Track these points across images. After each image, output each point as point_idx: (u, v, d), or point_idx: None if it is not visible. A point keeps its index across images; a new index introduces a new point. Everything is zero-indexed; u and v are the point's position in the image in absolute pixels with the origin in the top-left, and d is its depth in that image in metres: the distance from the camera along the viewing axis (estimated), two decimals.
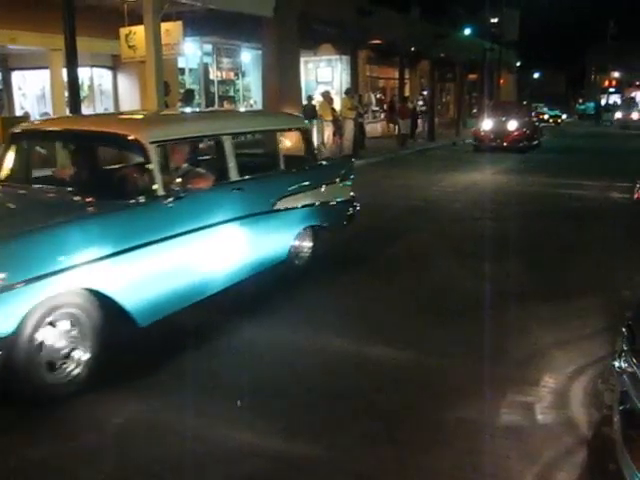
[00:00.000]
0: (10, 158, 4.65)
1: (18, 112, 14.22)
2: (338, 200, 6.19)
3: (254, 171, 5.14)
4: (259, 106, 17.35)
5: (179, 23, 11.49)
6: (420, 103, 24.67)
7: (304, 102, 16.80)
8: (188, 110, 9.87)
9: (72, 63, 7.84)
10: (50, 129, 5.04)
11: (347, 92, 17.82)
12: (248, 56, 18.35)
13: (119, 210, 3.91)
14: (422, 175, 14.12)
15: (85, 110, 11.88)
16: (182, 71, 15.80)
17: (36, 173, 5.03)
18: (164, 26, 11.01)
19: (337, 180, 6.23)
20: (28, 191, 4.40)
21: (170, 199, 4.10)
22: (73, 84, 8.02)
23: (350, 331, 4.57)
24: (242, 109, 17.28)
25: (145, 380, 3.76)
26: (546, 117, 39.99)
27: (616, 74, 60.49)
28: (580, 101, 60.57)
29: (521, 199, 10.65)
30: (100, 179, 4.87)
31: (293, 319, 4.80)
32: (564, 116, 44.90)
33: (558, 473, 2.93)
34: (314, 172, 6.02)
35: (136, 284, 3.81)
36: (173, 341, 4.24)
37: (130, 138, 4.16)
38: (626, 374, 2.62)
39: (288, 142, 7.79)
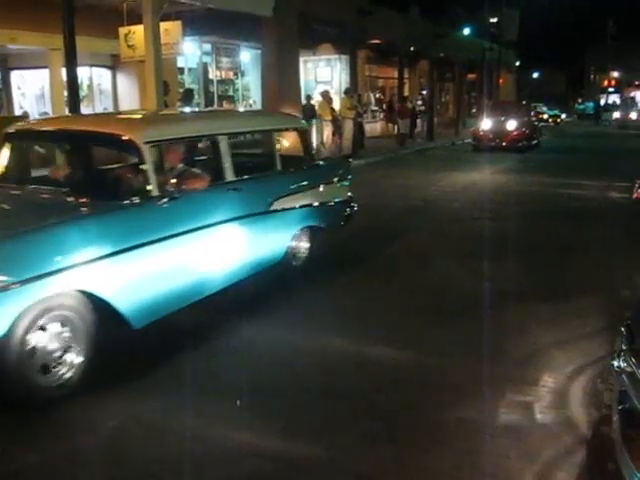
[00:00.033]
0: (4, 158, 4.61)
1: (17, 112, 14.21)
2: (335, 200, 6.15)
3: (251, 171, 5.12)
4: (258, 106, 17.35)
5: (178, 23, 11.49)
6: (419, 103, 24.66)
7: (303, 102, 16.79)
8: (187, 110, 9.85)
9: (71, 63, 7.84)
10: (44, 129, 4.99)
11: (346, 92, 17.82)
12: (247, 56, 18.35)
13: (113, 211, 3.87)
14: (421, 175, 14.13)
15: (84, 110, 11.89)
16: (181, 71, 15.79)
17: (35, 173, 5.03)
18: (163, 26, 11.01)
19: (334, 180, 6.20)
20: (22, 191, 4.35)
21: (165, 200, 4.06)
22: (72, 84, 8.02)
23: (349, 331, 4.56)
24: (241, 109, 17.29)
25: (143, 380, 3.75)
26: (545, 117, 40.02)
27: (615, 74, 60.50)
28: (579, 101, 60.62)
29: (520, 199, 10.65)
30: (94, 179, 4.84)
31: (291, 319, 4.79)
32: (563, 116, 44.93)
33: (557, 472, 2.93)
34: (311, 172, 5.98)
35: (130, 286, 3.77)
36: (171, 341, 4.23)
37: (124, 138, 4.12)
38: (625, 374, 2.63)
39: (286, 142, 7.78)
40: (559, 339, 4.42)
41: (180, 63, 15.28)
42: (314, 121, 16.07)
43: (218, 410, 3.44)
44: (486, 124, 20.31)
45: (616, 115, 41.48)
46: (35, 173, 5.04)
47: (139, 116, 5.92)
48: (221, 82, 17.78)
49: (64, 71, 8.36)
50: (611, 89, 60.37)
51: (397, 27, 21.11)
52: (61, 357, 3.49)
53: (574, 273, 6.13)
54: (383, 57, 23.82)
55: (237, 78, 18.35)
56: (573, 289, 5.61)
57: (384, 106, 23.94)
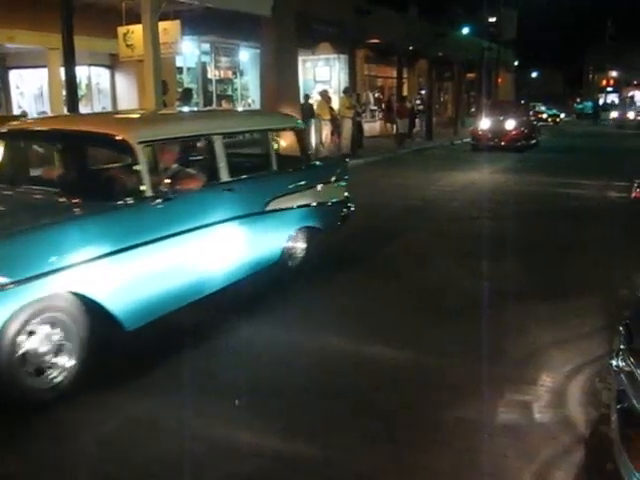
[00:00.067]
0: None
1: (16, 111, 14.18)
2: (332, 201, 6.11)
3: (246, 171, 5.09)
4: (257, 105, 17.34)
5: (177, 22, 11.47)
6: (418, 102, 24.67)
7: (301, 101, 16.79)
8: (186, 109, 9.84)
9: (70, 62, 7.84)
10: (37, 129, 4.94)
11: (345, 91, 17.83)
12: (246, 55, 18.34)
13: (106, 212, 3.82)
14: (420, 174, 14.14)
15: (83, 109, 11.88)
16: (180, 70, 15.78)
17: (35, 173, 5.00)
18: (162, 25, 11.00)
19: (331, 180, 6.15)
20: (14, 192, 4.30)
21: (158, 200, 4.01)
22: (71, 83, 8.01)
23: (348, 331, 4.57)
24: (240, 108, 17.28)
25: (142, 380, 3.76)
26: (544, 116, 40.04)
27: (614, 73, 60.58)
28: (578, 100, 60.65)
29: (519, 198, 10.66)
30: (88, 180, 4.78)
31: (290, 319, 4.79)
32: (562, 115, 44.95)
33: (556, 472, 2.94)
34: (308, 172, 5.93)
35: (123, 287, 3.73)
36: (170, 341, 4.22)
37: (117, 138, 4.08)
38: (623, 373, 2.63)
39: (283, 142, 7.76)
40: (558, 338, 4.43)
41: (179, 62, 15.26)
42: (313, 120, 16.08)
43: (217, 410, 3.44)
44: (485, 124, 20.32)
45: (613, 115, 41.47)
46: (34, 173, 5.00)
47: (133, 116, 5.87)
48: (220, 81, 17.77)
49: (63, 70, 8.36)
50: (610, 89, 60.45)
51: (396, 27, 21.11)
52: (53, 359, 3.44)
53: (573, 272, 6.14)
54: (382, 56, 23.81)
55: (236, 77, 18.35)
56: (572, 288, 5.62)
57: (383, 106, 23.94)
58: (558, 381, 3.77)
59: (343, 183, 6.34)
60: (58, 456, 3.03)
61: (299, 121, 6.52)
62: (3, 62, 14.48)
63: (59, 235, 3.50)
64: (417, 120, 23.38)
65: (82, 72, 13.44)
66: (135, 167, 4.01)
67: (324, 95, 17.23)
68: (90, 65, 14.21)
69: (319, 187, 5.92)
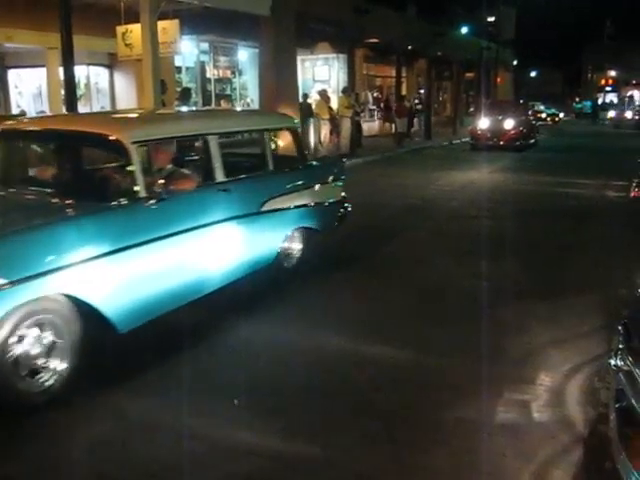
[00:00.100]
0: None
1: (15, 111, 14.16)
2: (329, 201, 6.07)
3: (242, 171, 5.05)
4: (256, 104, 17.33)
5: (176, 21, 11.47)
6: (416, 102, 24.69)
7: (300, 100, 16.79)
8: (184, 109, 9.84)
9: (68, 61, 7.83)
10: (31, 129, 4.89)
11: (344, 91, 17.83)
12: (245, 54, 18.34)
13: (98, 212, 3.78)
14: (419, 174, 14.14)
15: (82, 108, 11.86)
16: (179, 69, 15.78)
17: (33, 173, 4.98)
18: (161, 24, 10.99)
19: (328, 180, 6.11)
20: (7, 192, 4.25)
21: (152, 201, 3.97)
22: (69, 82, 8.01)
23: (348, 330, 4.57)
24: (239, 108, 17.27)
25: (141, 380, 3.76)
26: (544, 116, 40.02)
27: (613, 73, 60.63)
28: (577, 100, 60.69)
29: (518, 197, 10.67)
30: (81, 180, 4.74)
31: (289, 318, 4.79)
32: (561, 115, 44.94)
33: (554, 471, 2.94)
34: (304, 172, 5.89)
35: (116, 289, 3.68)
36: (169, 340, 4.22)
37: (111, 138, 4.03)
38: (622, 372, 2.64)
39: (281, 142, 7.73)
40: (557, 338, 4.44)
41: (178, 62, 15.26)
42: (312, 120, 16.08)
43: (217, 409, 3.44)
44: (484, 123, 20.33)
45: (611, 114, 41.31)
46: (30, 173, 4.97)
47: (126, 115, 5.82)
48: (219, 81, 17.77)
49: (61, 70, 8.35)
50: (608, 88, 60.48)
51: (395, 26, 21.10)
52: (45, 363, 3.40)
53: (572, 272, 6.14)
54: (381, 56, 23.82)
55: (235, 77, 18.35)
56: (571, 288, 5.63)
57: (381, 105, 23.95)
58: (557, 380, 3.78)
59: (340, 183, 6.30)
60: (57, 456, 3.03)
61: (296, 121, 6.47)
62: (2, 62, 14.45)
63: (51, 236, 3.45)
64: (416, 119, 23.39)
65: (81, 71, 13.43)
66: (129, 167, 3.97)
67: (323, 95, 17.23)
68: (89, 64, 14.20)
69: (316, 187, 5.88)
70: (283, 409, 3.45)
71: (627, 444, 2.45)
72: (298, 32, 15.74)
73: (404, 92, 24.42)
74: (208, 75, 17.18)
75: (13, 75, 14.84)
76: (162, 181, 4.19)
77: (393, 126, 21.05)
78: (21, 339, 3.29)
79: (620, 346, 2.76)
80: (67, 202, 3.91)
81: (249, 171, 5.32)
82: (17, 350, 3.27)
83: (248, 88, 18.67)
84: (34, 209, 3.88)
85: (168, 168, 4.64)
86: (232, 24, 14.41)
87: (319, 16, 16.43)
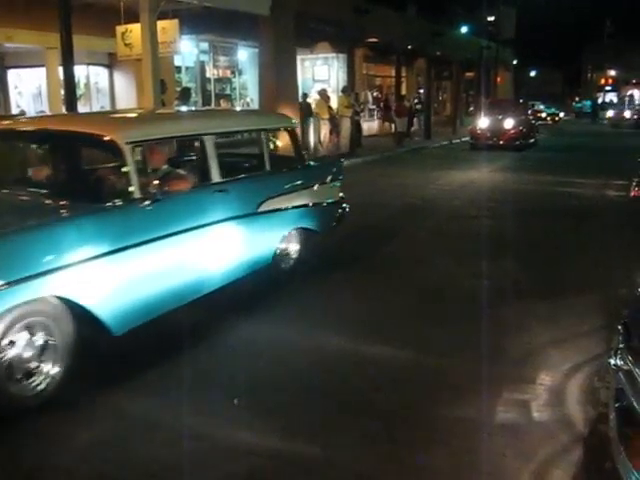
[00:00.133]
0: None
1: (14, 111, 14.17)
2: (327, 201, 6.03)
3: (238, 172, 5.02)
4: (256, 104, 17.34)
5: (175, 21, 11.47)
6: (416, 101, 24.69)
7: (299, 100, 16.80)
8: (184, 108, 9.84)
9: (68, 61, 7.83)
10: (25, 129, 4.84)
11: (344, 90, 17.84)
12: (245, 54, 18.34)
13: (92, 213, 3.73)
14: (419, 173, 14.14)
15: (82, 108, 11.87)
16: (178, 69, 15.78)
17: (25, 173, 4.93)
18: (160, 24, 10.99)
19: (326, 181, 6.07)
20: (0, 193, 4.19)
21: (147, 202, 3.92)
22: (69, 82, 8.01)
23: (348, 330, 4.57)
24: (238, 107, 17.27)
25: (141, 380, 3.76)
26: (544, 115, 39.99)
27: (612, 72, 60.61)
28: (577, 99, 60.68)
29: (518, 197, 10.67)
30: (75, 181, 4.70)
31: (289, 318, 4.79)
32: (562, 114, 44.92)
33: (554, 471, 2.94)
34: (302, 173, 5.85)
35: (110, 291, 3.64)
36: (168, 340, 4.21)
37: (105, 139, 3.98)
38: (622, 372, 2.64)
39: (280, 142, 7.69)
40: (557, 337, 4.44)
41: (177, 62, 15.27)
42: (311, 119, 16.08)
43: (217, 409, 3.45)
44: (484, 122, 20.34)
45: (610, 114, 41.13)
46: (25, 173, 4.94)
47: (121, 116, 5.78)
48: (218, 81, 17.78)
49: (61, 70, 8.35)
50: (608, 87, 60.46)
51: (394, 26, 21.11)
52: (37, 365, 3.37)
53: (572, 271, 6.14)
54: (381, 56, 23.81)
55: (234, 77, 18.35)
56: (571, 287, 5.63)
57: (381, 104, 23.96)
58: (557, 380, 3.78)
59: (338, 183, 6.26)
60: (57, 456, 3.02)
61: (293, 121, 6.42)
62: (1, 62, 14.45)
63: (44, 238, 3.40)
64: (415, 119, 23.40)
65: (80, 71, 13.43)
66: (123, 168, 3.93)
67: (323, 94, 17.23)
68: (88, 64, 14.20)
69: (313, 188, 5.84)
70: (283, 409, 3.45)
71: (627, 444, 2.45)
72: (298, 32, 15.75)
73: (404, 92, 24.42)
74: (208, 75, 17.18)
75: (13, 75, 14.84)
76: (157, 182, 4.16)
77: (393, 126, 21.05)
78: (13, 342, 3.25)
79: (620, 345, 2.76)
80: (61, 203, 3.87)
81: (246, 171, 5.29)
82: (10, 353, 3.24)
83: (248, 88, 18.68)
84: (27, 210, 3.83)
85: (163, 169, 4.60)
86: (232, 24, 14.40)
87: (319, 16, 16.43)
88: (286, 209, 5.39)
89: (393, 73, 23.80)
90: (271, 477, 2.92)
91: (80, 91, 13.28)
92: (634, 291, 3.43)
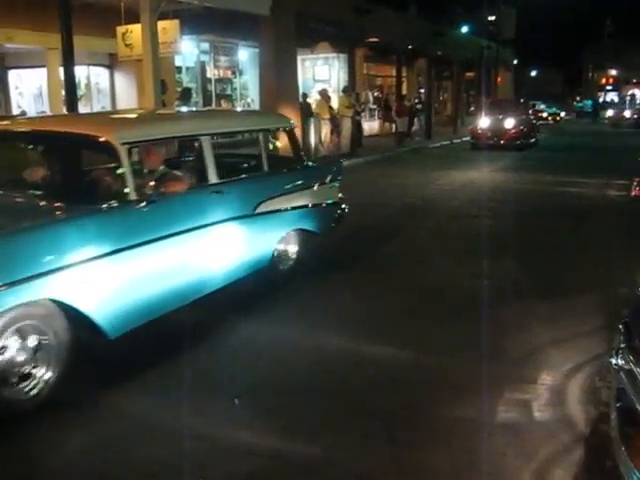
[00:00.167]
0: None
1: (15, 111, 14.17)
2: (326, 202, 6.00)
3: (236, 173, 5.00)
4: (256, 104, 17.34)
5: (176, 21, 11.47)
6: (416, 101, 24.69)
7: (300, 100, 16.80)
8: (185, 109, 9.84)
9: (69, 62, 7.84)
10: (19, 130, 4.81)
11: (344, 90, 17.83)
12: (245, 54, 18.34)
13: (88, 215, 3.68)
14: (419, 173, 14.14)
15: (82, 109, 11.88)
16: (179, 69, 15.78)
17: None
18: (161, 24, 10.99)
19: (324, 182, 6.03)
20: None
21: (143, 203, 3.89)
22: (70, 83, 8.02)
23: (348, 330, 4.56)
24: (239, 108, 17.27)
25: (141, 380, 3.76)
26: (545, 115, 39.98)
27: (613, 72, 60.61)
28: (578, 99, 60.66)
29: (518, 197, 10.66)
30: (71, 182, 4.66)
31: (289, 318, 4.79)
32: (562, 114, 44.90)
33: (555, 470, 2.94)
34: (300, 173, 5.81)
35: (104, 294, 3.60)
36: (169, 340, 4.21)
37: (100, 140, 3.94)
38: (623, 371, 2.63)
39: (279, 143, 7.66)
40: (557, 337, 4.43)
41: (178, 62, 15.27)
42: (312, 120, 16.08)
43: (217, 409, 3.44)
44: (484, 122, 20.34)
45: (609, 113, 41.06)
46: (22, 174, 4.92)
47: (118, 116, 5.73)
48: (219, 81, 17.78)
49: (62, 70, 8.35)
50: (609, 87, 60.48)
51: (395, 26, 21.10)
52: (31, 369, 3.34)
53: (572, 271, 6.14)
54: (381, 55, 23.80)
55: (235, 77, 18.35)
56: (571, 287, 5.62)
57: (382, 104, 23.96)
58: (558, 380, 3.77)
59: (337, 184, 6.22)
60: (57, 456, 3.02)
61: (292, 121, 6.38)
62: (2, 62, 14.46)
63: (38, 240, 3.35)
64: (416, 119, 23.40)
65: (81, 72, 13.44)
66: (119, 169, 3.90)
67: (323, 94, 17.23)
68: (89, 65, 14.21)
69: (312, 188, 5.81)
70: (283, 409, 3.45)
71: (628, 443, 2.44)
72: (298, 32, 15.75)
73: (404, 92, 24.41)
74: (208, 75, 17.18)
75: (14, 76, 14.85)
76: (153, 183, 4.12)
77: (393, 126, 21.06)
78: (6, 346, 3.22)
79: (621, 345, 2.76)
80: (56, 205, 3.83)
81: (243, 172, 5.26)
82: (3, 358, 3.22)
83: (248, 88, 18.68)
84: (21, 212, 3.79)
85: (160, 170, 4.56)
86: (232, 24, 14.41)
87: (319, 16, 16.43)
88: (284, 210, 5.36)
89: (394, 73, 23.78)
90: (271, 477, 2.91)
91: (81, 92, 13.30)
92: (635, 291, 3.43)
